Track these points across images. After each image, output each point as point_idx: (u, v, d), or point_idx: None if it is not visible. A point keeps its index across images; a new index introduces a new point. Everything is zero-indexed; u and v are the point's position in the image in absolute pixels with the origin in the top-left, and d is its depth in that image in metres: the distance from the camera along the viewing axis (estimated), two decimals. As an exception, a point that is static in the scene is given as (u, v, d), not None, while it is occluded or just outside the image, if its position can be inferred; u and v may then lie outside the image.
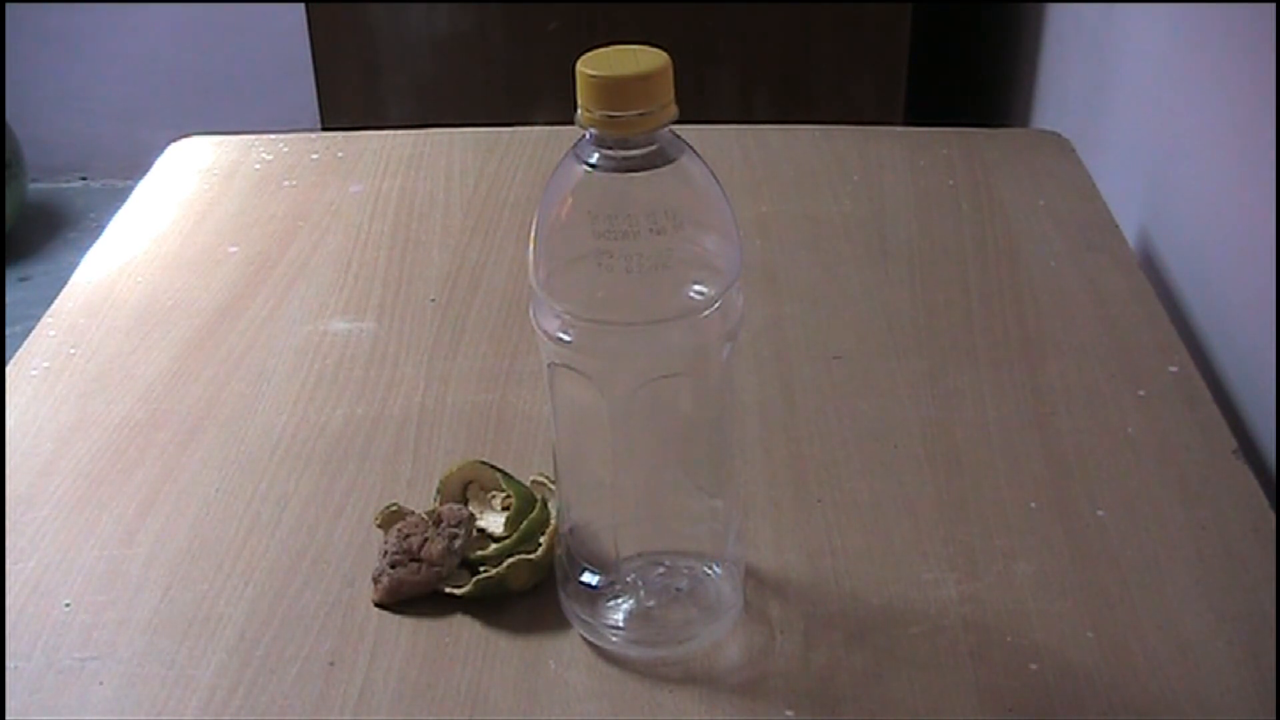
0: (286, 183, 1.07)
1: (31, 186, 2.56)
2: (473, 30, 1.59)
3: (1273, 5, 0.83)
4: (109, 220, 1.02)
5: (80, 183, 2.71)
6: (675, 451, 0.63)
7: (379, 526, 0.69)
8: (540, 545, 0.66)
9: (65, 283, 0.94)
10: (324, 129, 1.60)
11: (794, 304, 0.89)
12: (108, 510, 0.72)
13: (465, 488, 0.71)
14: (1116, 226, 0.98)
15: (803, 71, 1.58)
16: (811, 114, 1.40)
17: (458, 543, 0.66)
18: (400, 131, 1.14)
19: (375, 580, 0.66)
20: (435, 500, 0.70)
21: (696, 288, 0.57)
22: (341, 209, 1.02)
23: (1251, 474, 0.73)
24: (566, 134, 0.56)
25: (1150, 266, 1.01)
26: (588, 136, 0.55)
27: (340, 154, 1.11)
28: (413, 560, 0.66)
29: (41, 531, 0.71)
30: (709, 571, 0.65)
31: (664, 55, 0.54)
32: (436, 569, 0.66)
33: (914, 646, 0.63)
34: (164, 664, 0.63)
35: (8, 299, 2.29)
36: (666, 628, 0.64)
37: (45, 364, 0.85)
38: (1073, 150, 1.08)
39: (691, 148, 0.56)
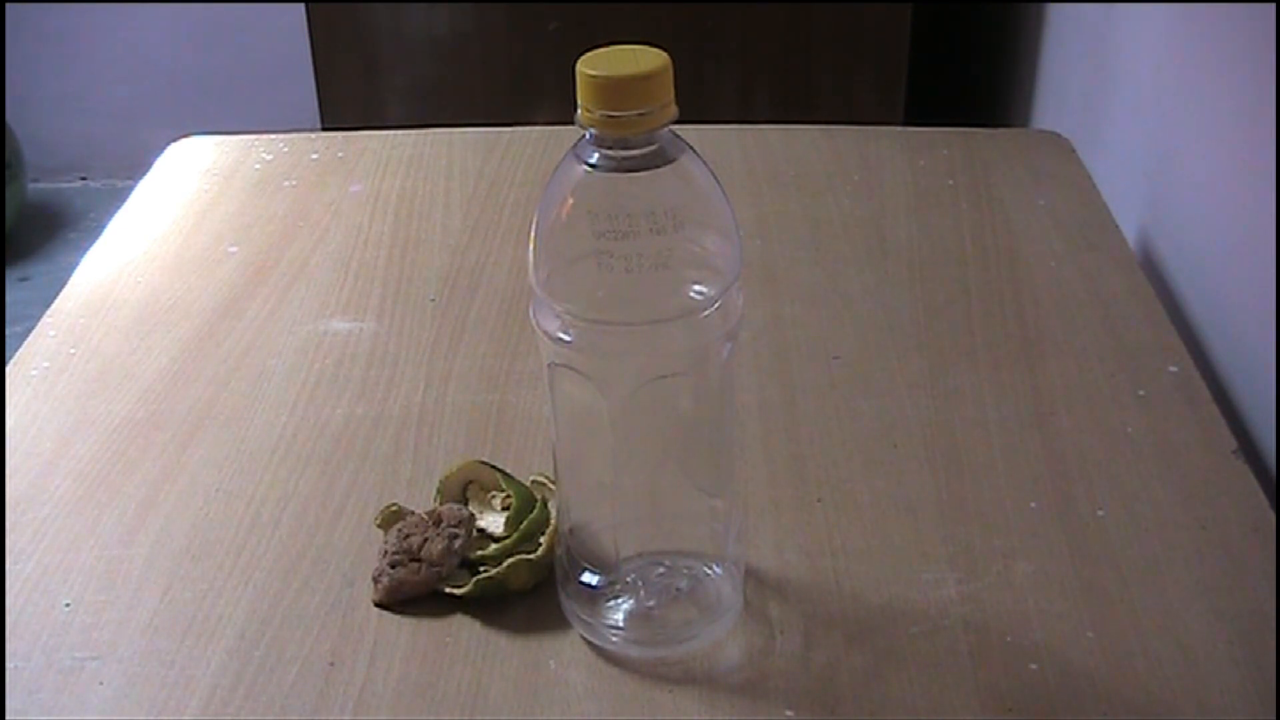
0: (286, 183, 1.07)
1: (31, 186, 2.56)
2: (473, 30, 1.59)
3: (1273, 5, 0.83)
4: (109, 220, 1.02)
5: (80, 183, 2.71)
6: (675, 451, 0.63)
7: (379, 526, 0.69)
8: (540, 545, 0.66)
9: (65, 283, 0.94)
10: (324, 129, 1.60)
11: (794, 304, 0.89)
12: (108, 510, 0.72)
13: (465, 488, 0.71)
14: (1116, 226, 0.98)
15: (803, 71, 1.58)
16: (811, 114, 1.40)
17: (458, 543, 0.66)
18: (400, 131, 1.14)
19: (375, 580, 0.66)
20: (435, 500, 0.70)
21: (696, 288, 0.57)
22: (341, 209, 1.02)
23: (1251, 474, 0.73)
24: (566, 134, 0.56)
25: (1150, 266, 1.01)
26: (588, 136, 0.55)
27: (340, 154, 1.11)
28: (413, 560, 0.66)
29: (41, 531, 0.71)
30: (709, 571, 0.65)
31: (664, 55, 0.54)
32: (436, 569, 0.66)
33: (914, 646, 0.63)
34: (164, 664, 0.63)
35: (8, 299, 2.29)
36: (666, 628, 0.64)
37: (45, 364, 0.85)
38: (1073, 150, 1.08)
39: (691, 148, 0.56)
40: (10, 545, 0.70)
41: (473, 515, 0.68)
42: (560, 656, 0.63)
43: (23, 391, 0.82)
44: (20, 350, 0.86)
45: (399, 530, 0.67)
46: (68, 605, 0.66)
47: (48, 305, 0.91)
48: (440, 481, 0.71)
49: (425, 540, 0.66)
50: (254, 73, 2.56)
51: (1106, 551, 0.68)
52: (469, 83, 1.61)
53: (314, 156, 1.10)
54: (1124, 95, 1.17)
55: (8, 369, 0.84)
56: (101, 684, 0.62)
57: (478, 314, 0.89)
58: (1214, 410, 0.78)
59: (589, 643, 0.64)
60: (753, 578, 0.67)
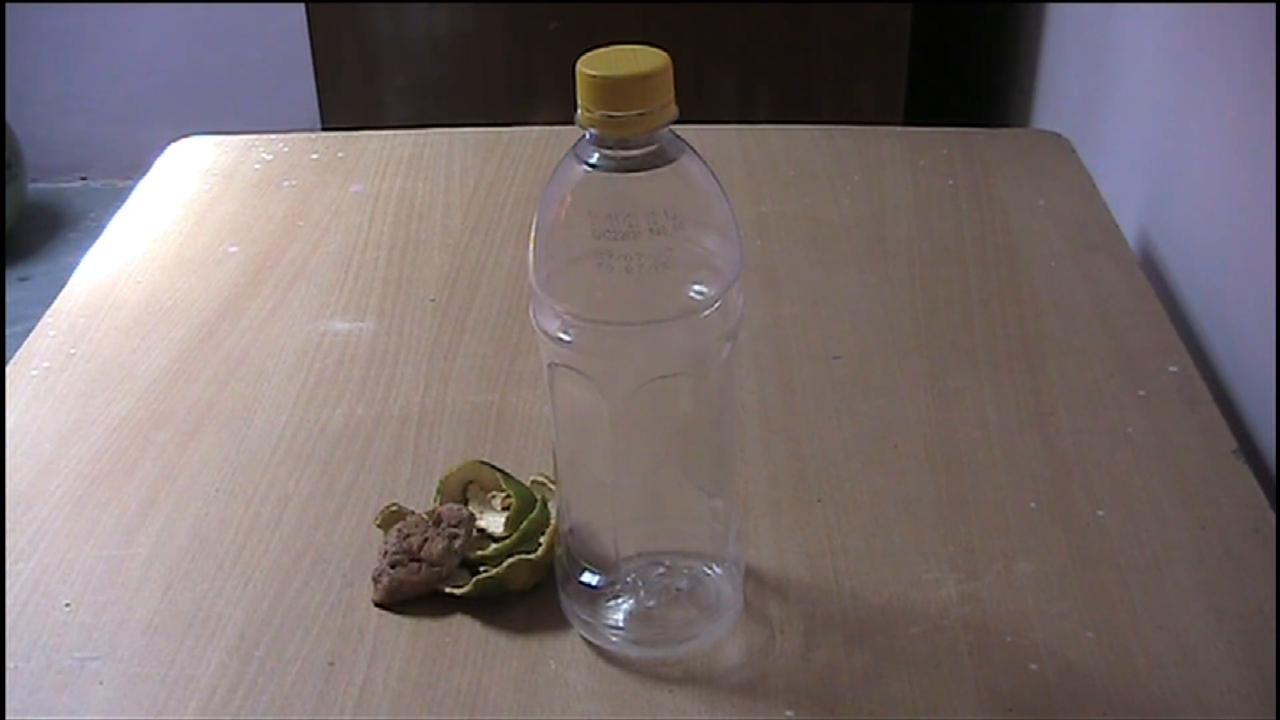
0: (286, 183, 1.07)
1: (31, 186, 2.56)
2: (473, 30, 1.59)
3: (1273, 5, 0.83)
4: (109, 220, 1.02)
5: (80, 183, 2.71)
6: (675, 451, 0.63)
7: (379, 526, 0.69)
8: (540, 545, 0.66)
9: (65, 283, 0.94)
10: (324, 129, 1.60)
11: (794, 304, 0.89)
12: (108, 510, 0.72)
13: (465, 488, 0.71)
14: (1116, 226, 0.98)
15: (803, 71, 1.58)
16: (811, 114, 1.40)
17: (458, 543, 0.66)
18: (400, 131, 1.14)
19: (375, 580, 0.66)
20: (435, 500, 0.70)
21: (696, 288, 0.57)
22: (341, 209, 1.02)
23: (1251, 474, 0.73)
24: (566, 134, 0.56)
25: (1150, 266, 1.01)
26: (588, 136, 0.55)
27: (340, 154, 1.11)
28: (413, 560, 0.66)
29: (41, 531, 0.71)
30: (709, 571, 0.65)
31: (664, 55, 0.54)
32: (436, 569, 0.66)
33: (914, 646, 0.63)
34: (164, 664, 0.63)
35: (8, 299, 2.29)
36: (666, 628, 0.64)
37: (45, 364, 0.85)
38: (1073, 150, 1.08)
39: (691, 148, 0.56)
40: (10, 545, 0.70)
41: (473, 515, 0.68)
42: (560, 656, 0.63)
43: (23, 391, 0.82)
44: (20, 350, 0.86)
45: (399, 530, 0.67)
46: (68, 605, 0.66)
47: (48, 305, 0.91)
48: (440, 481, 0.71)
49: (425, 540, 0.66)
50: (254, 73, 2.56)
51: (1106, 551, 0.68)
52: (469, 83, 1.61)
53: (314, 156, 1.10)
54: (1124, 95, 1.17)
55: (8, 369, 0.84)
56: (101, 684, 0.62)
57: (478, 314, 0.89)
58: (1214, 410, 0.78)
59: (589, 643, 0.64)
60: (753, 578, 0.67)
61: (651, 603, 0.64)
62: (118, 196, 1.08)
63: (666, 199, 0.56)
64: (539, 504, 0.68)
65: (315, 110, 1.64)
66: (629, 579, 0.64)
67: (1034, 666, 0.62)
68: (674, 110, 0.55)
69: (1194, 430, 0.77)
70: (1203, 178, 0.98)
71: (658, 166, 0.55)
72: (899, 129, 1.31)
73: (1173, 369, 0.82)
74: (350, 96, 1.63)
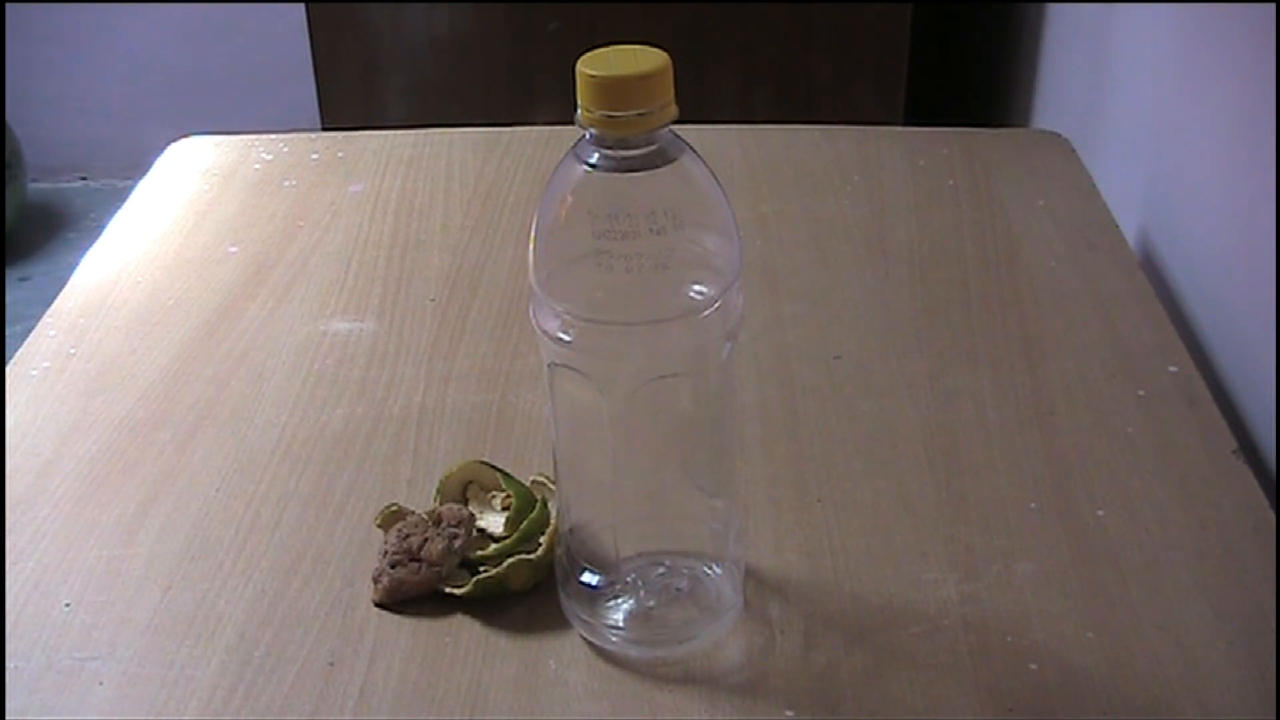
0: (286, 183, 1.07)
1: (31, 186, 2.56)
2: (473, 30, 1.59)
3: (1273, 5, 0.83)
4: (109, 220, 1.02)
5: (80, 183, 2.71)
6: (675, 451, 0.63)
7: (379, 526, 0.69)
8: (540, 545, 0.66)
9: (65, 283, 0.94)
10: (324, 129, 1.60)
11: (794, 304, 0.89)
12: (108, 510, 0.72)
13: (465, 488, 0.71)
14: (1116, 226, 0.98)
15: (803, 71, 1.58)
16: (811, 114, 1.40)
17: (458, 543, 0.66)
18: (400, 131, 1.14)
19: (375, 580, 0.66)
20: (435, 500, 0.70)
21: (696, 288, 0.57)
22: (341, 209, 1.02)
23: (1251, 474, 0.73)
24: (566, 134, 0.56)
25: (1150, 266, 1.01)
26: (588, 136, 0.55)
27: (340, 154, 1.10)
28: (413, 560, 0.66)
29: (41, 531, 0.71)
30: (709, 571, 0.65)
31: (664, 55, 0.54)
32: (436, 569, 0.66)
33: (914, 646, 0.63)
34: (164, 664, 0.63)
35: (8, 299, 2.29)
36: (666, 628, 0.64)
37: (45, 364, 0.85)
38: (1073, 150, 1.08)
39: (691, 148, 0.56)
40: (10, 545, 0.70)
41: (473, 515, 0.68)
42: (560, 656, 0.63)
43: (23, 391, 0.82)
44: (20, 350, 0.86)
45: (399, 530, 0.67)
46: (68, 605, 0.66)
47: (48, 305, 0.91)
48: (440, 481, 0.71)
49: (425, 540, 0.66)
50: (254, 73, 2.56)
51: (1106, 551, 0.68)
52: (469, 83, 1.61)
53: (314, 156, 1.10)
54: (1124, 95, 1.17)
55: (8, 369, 0.84)
56: (101, 684, 0.62)
57: (478, 314, 0.89)
58: (1214, 410, 0.78)
59: (589, 643, 0.64)
60: (753, 578, 0.67)
61: (651, 603, 0.64)
62: (118, 196, 1.08)
63: (666, 199, 0.56)
64: (539, 504, 0.68)
65: (315, 110, 1.64)
66: (629, 579, 0.64)
67: (1034, 666, 0.62)
68: (674, 110, 0.55)
69: (1194, 430, 0.77)
70: (1203, 178, 0.98)
71: (658, 166, 0.55)
72: (899, 129, 1.31)
73: (1173, 369, 0.82)
74: (350, 96, 1.63)
